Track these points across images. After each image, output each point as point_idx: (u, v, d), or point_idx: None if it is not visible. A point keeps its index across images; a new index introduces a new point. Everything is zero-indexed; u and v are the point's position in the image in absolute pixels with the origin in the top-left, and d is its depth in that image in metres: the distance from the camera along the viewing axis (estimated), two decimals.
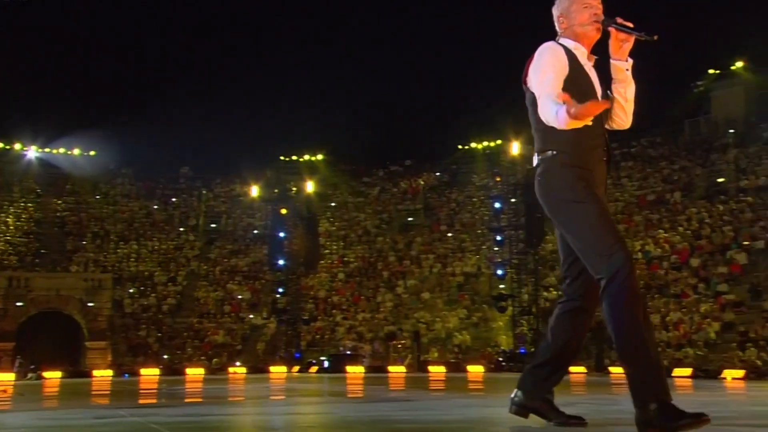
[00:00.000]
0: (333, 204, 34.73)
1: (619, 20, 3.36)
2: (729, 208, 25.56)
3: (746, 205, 25.08)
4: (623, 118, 3.52)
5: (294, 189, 29.24)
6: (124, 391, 11.22)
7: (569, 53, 3.37)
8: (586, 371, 19.49)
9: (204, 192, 36.08)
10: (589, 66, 3.45)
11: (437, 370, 21.70)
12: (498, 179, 27.30)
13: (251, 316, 30.06)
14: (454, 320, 27.24)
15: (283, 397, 8.56)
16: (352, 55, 37.59)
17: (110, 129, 31.81)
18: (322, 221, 33.76)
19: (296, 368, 24.74)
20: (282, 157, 30.45)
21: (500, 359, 23.13)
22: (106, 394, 10.24)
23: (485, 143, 29.90)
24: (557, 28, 3.51)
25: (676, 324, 21.54)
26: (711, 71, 30.58)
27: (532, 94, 3.33)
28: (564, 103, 2.95)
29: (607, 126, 3.50)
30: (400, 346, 24.41)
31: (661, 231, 26.22)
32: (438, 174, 35.09)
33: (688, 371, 17.75)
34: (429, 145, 35.45)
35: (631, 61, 3.41)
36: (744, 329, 20.29)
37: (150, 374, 22.49)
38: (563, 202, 3.30)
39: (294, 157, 30.50)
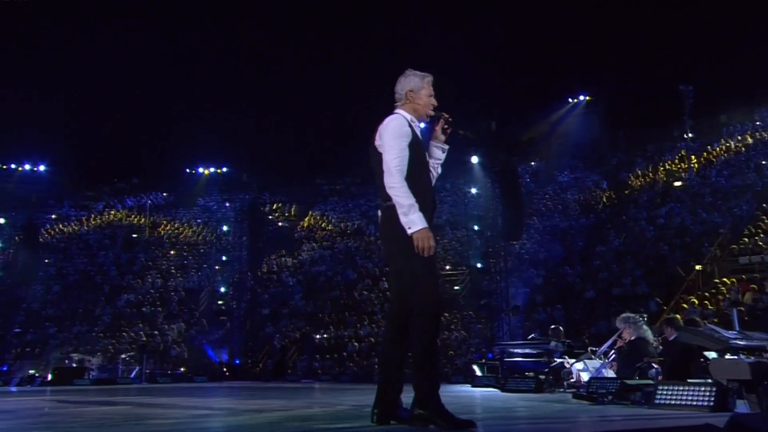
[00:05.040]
0: (54, 216, 33.74)
1: (446, 115, 4.16)
2: None
3: None
4: None
5: (13, 198, 28.06)
6: None
7: (411, 124, 4.02)
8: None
9: None
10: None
11: (166, 381, 22.19)
12: (228, 204, 29.16)
13: None
14: (174, 333, 28.29)
15: None
16: (80, 66, 36.01)
17: None
18: (42, 232, 32.35)
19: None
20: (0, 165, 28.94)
21: (224, 369, 24.67)
22: None
23: (212, 169, 31.91)
24: (403, 98, 4.10)
25: (367, 336, 24.15)
26: None
27: (380, 156, 3.94)
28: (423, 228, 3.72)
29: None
30: (127, 358, 24.90)
31: (358, 258, 29.84)
32: (165, 194, 36.02)
33: None
34: (158, 165, 36.18)
35: (447, 146, 4.21)
36: None
37: None
38: (396, 247, 3.89)
39: (13, 166, 29.15)
